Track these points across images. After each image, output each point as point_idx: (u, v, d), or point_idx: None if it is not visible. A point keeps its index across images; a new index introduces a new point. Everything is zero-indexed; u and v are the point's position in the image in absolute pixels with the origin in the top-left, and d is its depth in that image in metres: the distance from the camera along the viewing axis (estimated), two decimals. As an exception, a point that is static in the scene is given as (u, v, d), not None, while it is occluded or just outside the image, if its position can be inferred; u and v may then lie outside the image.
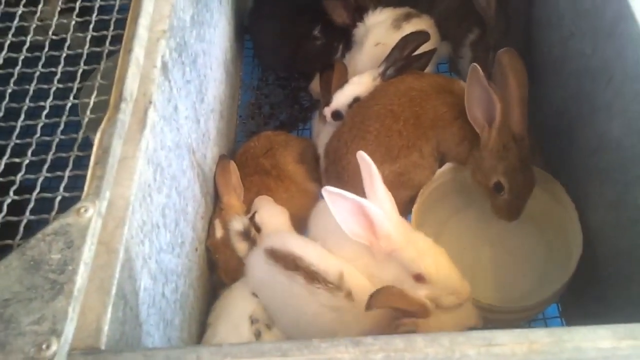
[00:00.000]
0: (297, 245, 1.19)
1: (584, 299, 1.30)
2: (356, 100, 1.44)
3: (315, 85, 1.72)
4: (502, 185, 1.28)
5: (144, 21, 0.99)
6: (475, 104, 1.27)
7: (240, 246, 1.28)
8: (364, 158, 1.14)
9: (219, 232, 1.30)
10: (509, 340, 0.71)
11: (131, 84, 0.92)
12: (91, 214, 0.78)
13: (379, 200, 1.12)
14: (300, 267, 1.14)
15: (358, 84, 1.46)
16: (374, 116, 1.34)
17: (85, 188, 0.81)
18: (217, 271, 1.31)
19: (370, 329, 1.08)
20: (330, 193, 1.08)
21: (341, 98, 1.46)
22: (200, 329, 1.23)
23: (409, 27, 1.56)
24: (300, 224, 1.37)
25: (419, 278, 1.10)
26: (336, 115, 1.46)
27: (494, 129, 1.26)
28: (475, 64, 1.24)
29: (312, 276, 1.13)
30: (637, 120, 1.04)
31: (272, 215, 1.34)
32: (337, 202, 1.09)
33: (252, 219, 1.32)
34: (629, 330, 0.70)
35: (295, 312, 1.14)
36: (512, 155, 1.26)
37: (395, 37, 1.47)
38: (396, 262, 1.12)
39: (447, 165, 1.40)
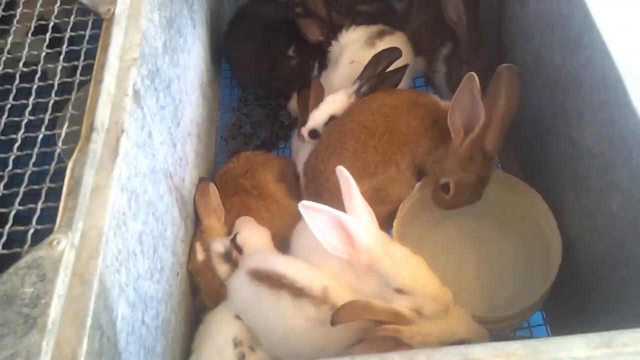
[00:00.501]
0: (280, 263, 1.19)
1: (566, 305, 1.31)
2: (332, 118, 1.45)
3: (293, 104, 1.73)
4: (449, 190, 1.31)
5: (114, 50, 0.99)
6: (459, 109, 1.26)
7: (222, 268, 1.27)
8: (342, 172, 1.16)
9: (200, 255, 1.30)
10: (485, 354, 0.72)
11: (102, 113, 0.92)
12: (64, 246, 0.78)
13: (357, 213, 1.13)
14: (285, 284, 1.14)
15: (333, 103, 1.47)
16: (349, 133, 1.35)
17: (58, 220, 0.81)
18: (200, 294, 1.30)
19: (356, 338, 1.08)
20: (307, 207, 1.09)
21: (317, 117, 1.47)
22: (184, 353, 1.22)
23: (383, 44, 1.57)
24: (283, 244, 1.37)
25: (398, 290, 1.10)
26: (313, 133, 1.47)
27: (468, 138, 1.26)
28: (472, 72, 1.22)
29: (297, 292, 1.13)
30: (606, 127, 1.06)
31: (254, 236, 1.34)
32: (314, 216, 1.10)
33: (233, 240, 1.32)
34: (602, 339, 0.71)
35: (283, 329, 1.14)
36: (474, 169, 1.28)
37: (369, 55, 1.49)
38: (376, 274, 1.12)
39: (425, 179, 1.41)
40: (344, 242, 1.12)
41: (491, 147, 1.27)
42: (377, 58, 1.46)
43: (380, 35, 1.63)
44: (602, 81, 1.05)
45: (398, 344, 1.04)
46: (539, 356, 0.70)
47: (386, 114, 1.35)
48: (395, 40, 1.62)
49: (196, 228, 1.37)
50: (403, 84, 1.56)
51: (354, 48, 1.63)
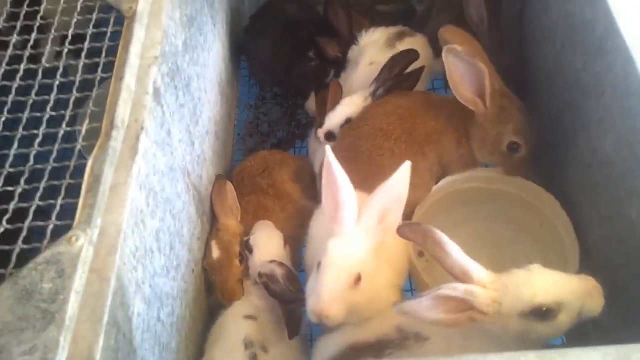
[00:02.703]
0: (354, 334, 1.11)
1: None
2: (348, 121, 1.45)
3: (311, 104, 1.73)
4: (517, 143, 1.31)
5: (135, 48, 1.00)
6: (460, 82, 1.28)
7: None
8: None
9: (215, 253, 1.30)
10: (500, 363, 0.71)
11: (123, 111, 0.93)
12: (82, 242, 0.79)
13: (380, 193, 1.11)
14: (363, 349, 1.08)
15: (349, 105, 1.47)
16: (364, 136, 1.35)
17: (77, 216, 0.82)
18: (215, 292, 1.31)
19: None
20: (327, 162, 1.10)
21: (334, 119, 1.47)
22: (198, 350, 1.23)
23: (403, 46, 1.56)
24: (298, 245, 1.37)
25: (319, 265, 1.08)
26: (329, 136, 1.47)
27: (487, 97, 1.27)
28: (450, 44, 1.25)
29: (378, 349, 1.06)
30: (628, 135, 1.04)
31: (266, 238, 1.34)
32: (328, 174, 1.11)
33: (247, 241, 1.32)
34: (620, 352, 0.70)
35: None
36: (513, 111, 1.30)
37: (389, 56, 1.48)
38: None
39: (443, 181, 1.40)
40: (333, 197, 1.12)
41: (498, 84, 1.29)
42: (393, 61, 1.45)
43: (400, 36, 1.62)
44: (625, 88, 1.03)
45: (470, 308, 0.93)
46: (554, 367, 0.70)
47: (402, 116, 1.35)
48: (415, 42, 1.61)
49: (212, 226, 1.38)
50: (421, 86, 1.56)
51: (373, 50, 1.62)
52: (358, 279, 1.05)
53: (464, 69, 1.26)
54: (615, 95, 1.08)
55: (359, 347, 1.08)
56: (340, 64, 1.72)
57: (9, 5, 1.12)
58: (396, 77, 1.46)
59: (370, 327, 1.11)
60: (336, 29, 1.70)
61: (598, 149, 1.17)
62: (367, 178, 1.25)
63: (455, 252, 0.95)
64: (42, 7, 1.12)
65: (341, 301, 1.03)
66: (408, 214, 1.34)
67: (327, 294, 1.02)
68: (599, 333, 1.20)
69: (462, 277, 0.94)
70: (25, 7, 1.11)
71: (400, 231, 1.00)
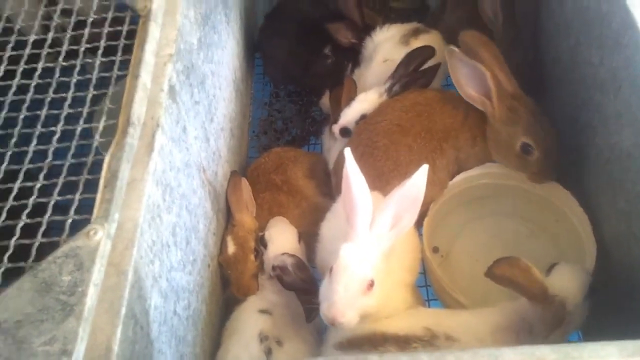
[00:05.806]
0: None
1: (600, 310, 1.28)
2: (363, 117, 1.45)
3: (325, 101, 1.74)
4: (528, 144, 1.28)
5: (150, 46, 1.01)
6: (464, 83, 1.30)
7: None
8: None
9: (231, 248, 1.31)
10: (515, 357, 0.71)
11: (139, 108, 0.94)
12: (100, 236, 0.80)
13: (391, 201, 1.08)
14: (388, 338, 1.09)
15: (364, 101, 1.47)
16: (381, 132, 1.35)
17: (95, 211, 0.83)
18: (230, 287, 1.32)
19: None
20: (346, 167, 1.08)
21: (349, 115, 1.47)
22: (213, 343, 1.24)
23: (417, 43, 1.56)
24: (312, 241, 1.38)
25: (331, 270, 1.06)
26: (344, 131, 1.47)
27: (493, 98, 1.28)
28: (451, 46, 1.30)
29: (404, 341, 1.08)
30: (646, 129, 1.03)
31: (280, 233, 1.35)
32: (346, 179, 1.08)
33: (262, 236, 1.33)
34: (636, 347, 0.69)
35: None
36: (522, 112, 1.29)
37: (403, 53, 1.48)
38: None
39: (458, 177, 1.40)
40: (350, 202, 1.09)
41: (512, 87, 1.29)
42: (409, 57, 1.45)
43: (415, 33, 1.62)
44: (643, 81, 1.02)
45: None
46: (570, 361, 0.69)
47: (421, 112, 1.35)
48: (430, 38, 1.61)
49: (228, 221, 1.39)
50: (437, 82, 1.55)
51: (387, 46, 1.62)
52: (371, 285, 1.04)
53: (467, 69, 1.28)
54: (634, 90, 1.07)
55: (386, 336, 1.09)
56: (357, 53, 1.72)
57: (26, 5, 1.13)
58: (412, 74, 1.46)
59: (398, 323, 1.11)
60: (346, 15, 1.69)
61: (616, 145, 1.16)
62: (382, 173, 1.25)
63: (540, 276, 1.07)
64: (59, 7, 1.13)
65: (354, 307, 1.02)
66: (422, 212, 1.34)
67: (339, 301, 1.02)
68: (615, 328, 1.19)
69: (541, 295, 1.07)
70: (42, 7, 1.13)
71: (490, 274, 1.06)
